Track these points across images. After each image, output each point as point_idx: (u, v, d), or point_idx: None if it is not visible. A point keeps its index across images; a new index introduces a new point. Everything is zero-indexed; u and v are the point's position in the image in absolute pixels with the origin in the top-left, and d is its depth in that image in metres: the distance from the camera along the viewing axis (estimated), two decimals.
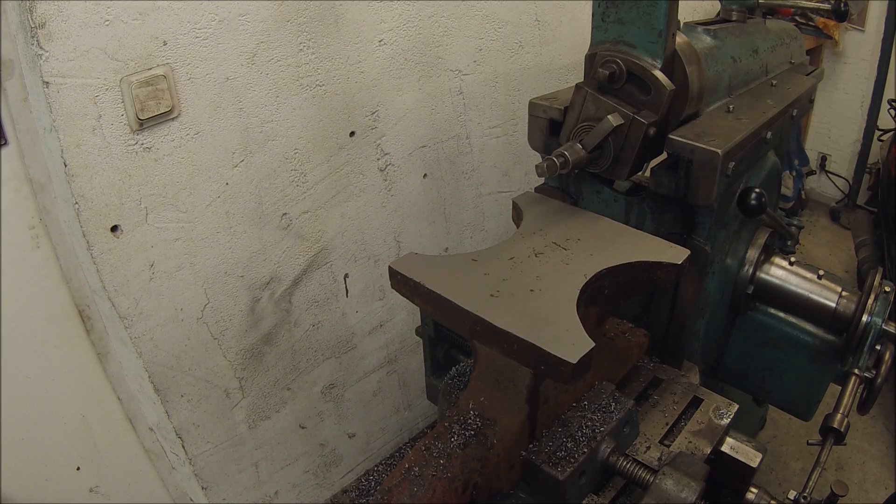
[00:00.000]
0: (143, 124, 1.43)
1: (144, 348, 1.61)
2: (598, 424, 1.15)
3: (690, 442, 1.26)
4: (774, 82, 1.69)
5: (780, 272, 1.55)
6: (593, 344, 0.95)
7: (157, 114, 1.44)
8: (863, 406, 1.46)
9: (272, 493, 2.10)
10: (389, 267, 1.14)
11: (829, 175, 4.36)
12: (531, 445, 1.13)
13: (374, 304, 2.22)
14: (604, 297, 1.19)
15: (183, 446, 1.77)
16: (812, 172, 4.37)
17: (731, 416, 1.30)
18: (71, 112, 1.33)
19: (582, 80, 1.33)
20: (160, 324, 1.62)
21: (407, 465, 1.05)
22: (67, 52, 1.29)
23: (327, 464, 2.27)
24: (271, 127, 1.70)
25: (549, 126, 1.42)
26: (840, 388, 1.45)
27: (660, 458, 1.20)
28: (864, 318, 1.45)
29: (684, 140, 1.27)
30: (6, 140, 1.32)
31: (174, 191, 1.55)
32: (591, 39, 1.31)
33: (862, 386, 1.44)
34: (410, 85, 2.02)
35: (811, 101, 1.81)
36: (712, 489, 1.14)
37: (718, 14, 1.76)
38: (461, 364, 1.36)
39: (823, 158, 4.37)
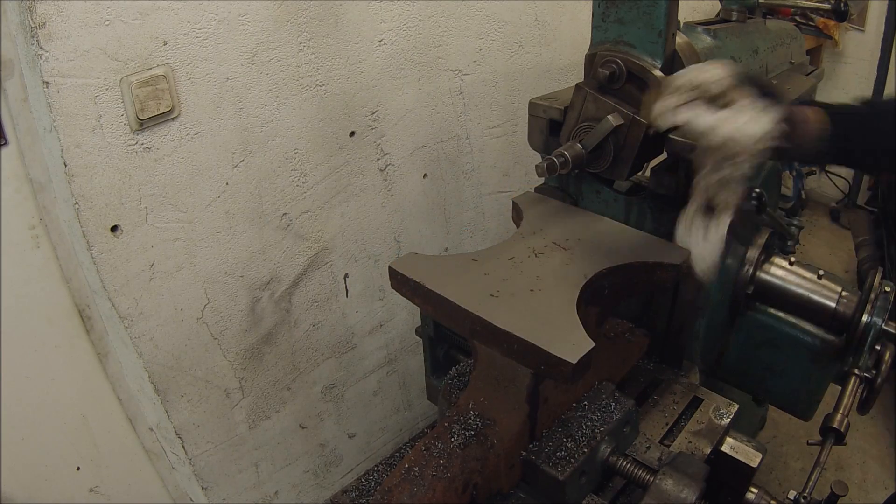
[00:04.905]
0: (143, 124, 1.43)
1: (144, 348, 1.61)
2: (598, 424, 1.15)
3: (690, 442, 1.26)
4: (774, 82, 1.69)
5: (780, 272, 1.55)
6: (593, 344, 0.95)
7: (157, 114, 1.44)
8: (863, 406, 1.46)
9: (272, 493, 2.10)
10: (389, 267, 1.14)
11: (829, 175, 4.36)
12: (531, 445, 1.13)
13: (374, 304, 2.22)
14: (604, 297, 1.19)
15: (183, 446, 1.77)
16: (812, 172, 4.36)
17: (731, 416, 1.30)
18: (71, 112, 1.33)
19: (582, 80, 1.33)
20: (160, 324, 1.62)
21: (407, 465, 1.05)
22: (67, 52, 1.29)
23: (327, 464, 2.27)
24: (271, 127, 1.70)
25: (549, 126, 1.42)
26: (840, 388, 1.45)
27: (660, 458, 1.20)
28: (864, 318, 1.45)
29: (684, 140, 1.26)
30: (6, 140, 1.31)
31: (174, 191, 1.55)
32: (591, 39, 1.31)
33: (862, 386, 1.43)
34: (410, 85, 2.02)
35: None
36: (712, 489, 1.14)
37: (718, 14, 1.76)
38: (461, 364, 1.36)
39: None
